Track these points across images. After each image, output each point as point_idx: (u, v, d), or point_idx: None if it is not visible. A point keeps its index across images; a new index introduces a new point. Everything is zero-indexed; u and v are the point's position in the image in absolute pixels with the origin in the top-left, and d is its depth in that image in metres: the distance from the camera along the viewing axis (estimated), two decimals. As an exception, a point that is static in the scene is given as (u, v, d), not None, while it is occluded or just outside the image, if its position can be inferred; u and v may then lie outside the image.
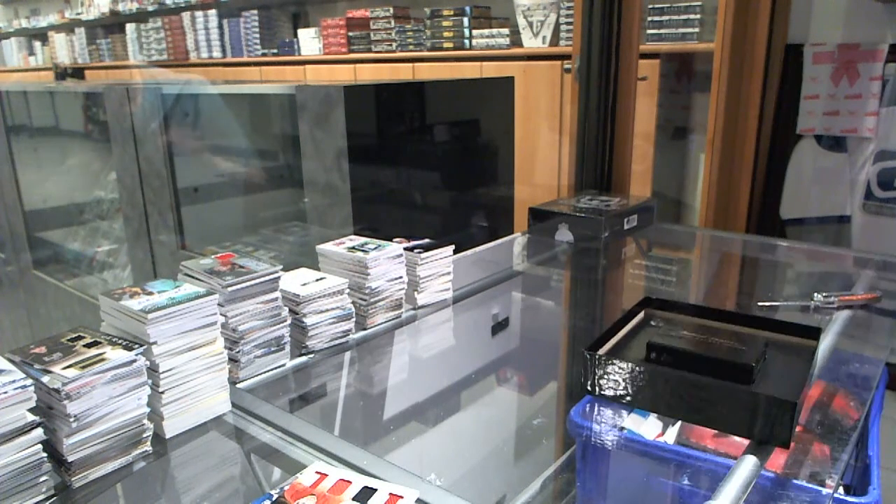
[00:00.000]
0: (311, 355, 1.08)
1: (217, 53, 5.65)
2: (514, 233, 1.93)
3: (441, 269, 1.30)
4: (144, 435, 0.81)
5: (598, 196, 1.96)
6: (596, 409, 0.93)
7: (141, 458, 0.81)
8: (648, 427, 0.96)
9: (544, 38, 3.67)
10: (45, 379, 0.72)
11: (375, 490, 0.68)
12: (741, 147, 2.62)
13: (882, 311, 1.27)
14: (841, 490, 0.88)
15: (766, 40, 2.52)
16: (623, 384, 0.86)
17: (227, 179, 2.51)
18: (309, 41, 4.94)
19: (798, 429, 0.86)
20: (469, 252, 1.67)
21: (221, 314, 0.94)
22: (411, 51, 4.26)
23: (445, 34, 4.04)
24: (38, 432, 0.71)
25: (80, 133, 3.08)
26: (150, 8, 6.18)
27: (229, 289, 0.95)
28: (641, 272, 1.75)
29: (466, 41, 3.97)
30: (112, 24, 6.88)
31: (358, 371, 1.14)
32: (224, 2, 5.51)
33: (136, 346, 0.79)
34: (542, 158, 3.41)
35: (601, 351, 0.91)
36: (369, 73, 4.36)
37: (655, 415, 0.96)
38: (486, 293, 1.45)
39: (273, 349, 1.02)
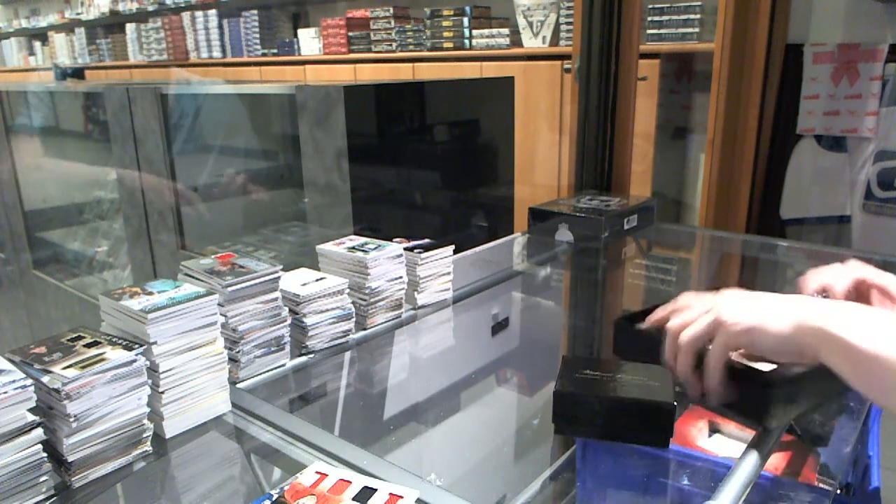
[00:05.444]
0: (311, 355, 1.08)
1: (217, 53, 5.65)
2: (514, 233, 1.93)
3: (441, 269, 1.30)
4: (144, 435, 0.81)
5: (598, 196, 1.96)
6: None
7: (141, 458, 0.81)
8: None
9: (544, 38, 3.67)
10: (45, 379, 0.72)
11: (375, 490, 0.68)
12: (741, 147, 2.62)
13: (882, 311, 1.27)
14: (840, 490, 0.88)
15: (766, 40, 2.52)
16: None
17: (227, 179, 2.52)
18: (309, 41, 4.94)
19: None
20: (469, 252, 1.67)
21: (221, 314, 0.94)
22: (411, 51, 4.26)
23: (445, 34, 4.04)
24: (38, 432, 0.71)
25: (81, 133, 3.08)
26: (150, 8, 6.18)
27: (229, 289, 0.95)
28: (641, 272, 1.75)
29: (466, 41, 3.97)
30: (112, 24, 6.88)
31: (358, 371, 1.14)
32: (224, 2, 5.51)
33: (136, 346, 0.79)
34: (542, 158, 3.41)
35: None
36: (369, 73, 4.36)
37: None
38: (486, 293, 1.45)
39: (273, 349, 1.02)
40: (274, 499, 0.66)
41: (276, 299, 1.01)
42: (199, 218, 2.43)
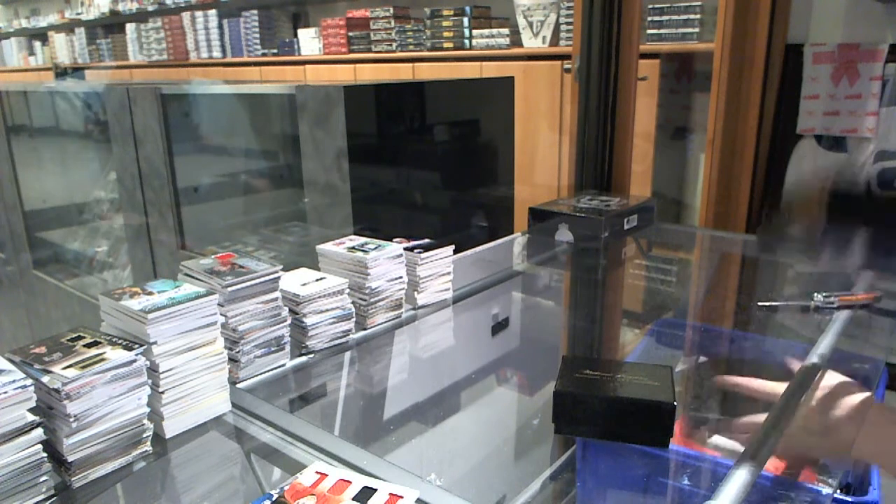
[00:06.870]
0: (311, 355, 1.08)
1: (217, 53, 5.65)
2: (514, 233, 1.93)
3: (441, 269, 1.30)
4: (144, 435, 0.81)
5: (598, 196, 1.96)
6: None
7: (141, 458, 0.81)
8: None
9: (544, 38, 3.67)
10: (45, 379, 0.72)
11: (375, 490, 0.68)
12: (741, 147, 2.62)
13: (882, 311, 1.27)
14: (840, 490, 0.88)
15: (766, 40, 2.52)
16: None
17: (227, 179, 2.51)
18: (309, 41, 4.94)
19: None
20: (469, 252, 1.67)
21: (221, 314, 0.94)
22: (411, 51, 4.25)
23: (445, 34, 4.04)
24: (38, 432, 0.71)
25: (81, 133, 3.08)
26: (150, 8, 6.18)
27: (229, 289, 0.95)
28: (641, 272, 1.75)
29: (466, 41, 3.97)
30: (112, 24, 6.88)
31: (358, 371, 1.14)
32: (224, 2, 5.51)
33: (136, 346, 0.79)
34: (542, 158, 3.41)
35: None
36: (369, 73, 4.36)
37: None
38: (486, 293, 1.45)
39: (273, 349, 1.02)
40: (274, 499, 0.66)
41: (276, 299, 1.01)
42: (199, 218, 2.43)
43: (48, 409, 0.74)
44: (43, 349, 0.78)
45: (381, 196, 1.87)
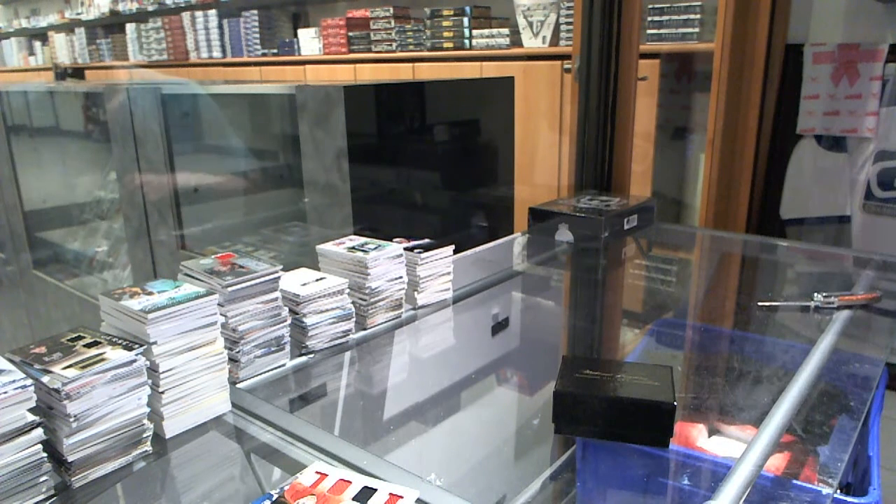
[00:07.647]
0: (311, 355, 1.08)
1: (217, 53, 5.65)
2: (514, 233, 1.93)
3: (441, 269, 1.30)
4: (144, 435, 0.81)
5: (598, 196, 1.96)
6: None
7: (141, 458, 0.81)
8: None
9: (544, 38, 3.67)
10: (45, 379, 0.72)
11: (375, 490, 0.68)
12: (741, 147, 2.62)
13: (882, 311, 1.27)
14: (840, 490, 0.88)
15: (766, 40, 2.52)
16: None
17: (227, 179, 2.51)
18: (309, 41, 4.94)
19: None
20: (469, 252, 1.67)
21: (221, 314, 0.94)
22: (411, 51, 4.26)
23: (445, 34, 4.04)
24: (38, 432, 0.71)
25: (81, 133, 3.08)
26: (150, 8, 6.18)
27: (229, 289, 0.95)
28: (641, 272, 1.75)
29: (466, 41, 3.97)
30: (112, 24, 6.88)
31: (358, 371, 1.14)
32: (224, 2, 5.51)
33: (136, 346, 0.79)
34: (542, 158, 3.41)
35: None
36: (369, 73, 4.36)
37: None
38: (486, 293, 1.45)
39: (273, 349, 1.02)
40: (274, 499, 0.66)
41: (276, 299, 1.01)
42: (199, 218, 2.43)
43: (48, 409, 0.74)
44: (43, 349, 0.78)
45: (381, 196, 1.87)
